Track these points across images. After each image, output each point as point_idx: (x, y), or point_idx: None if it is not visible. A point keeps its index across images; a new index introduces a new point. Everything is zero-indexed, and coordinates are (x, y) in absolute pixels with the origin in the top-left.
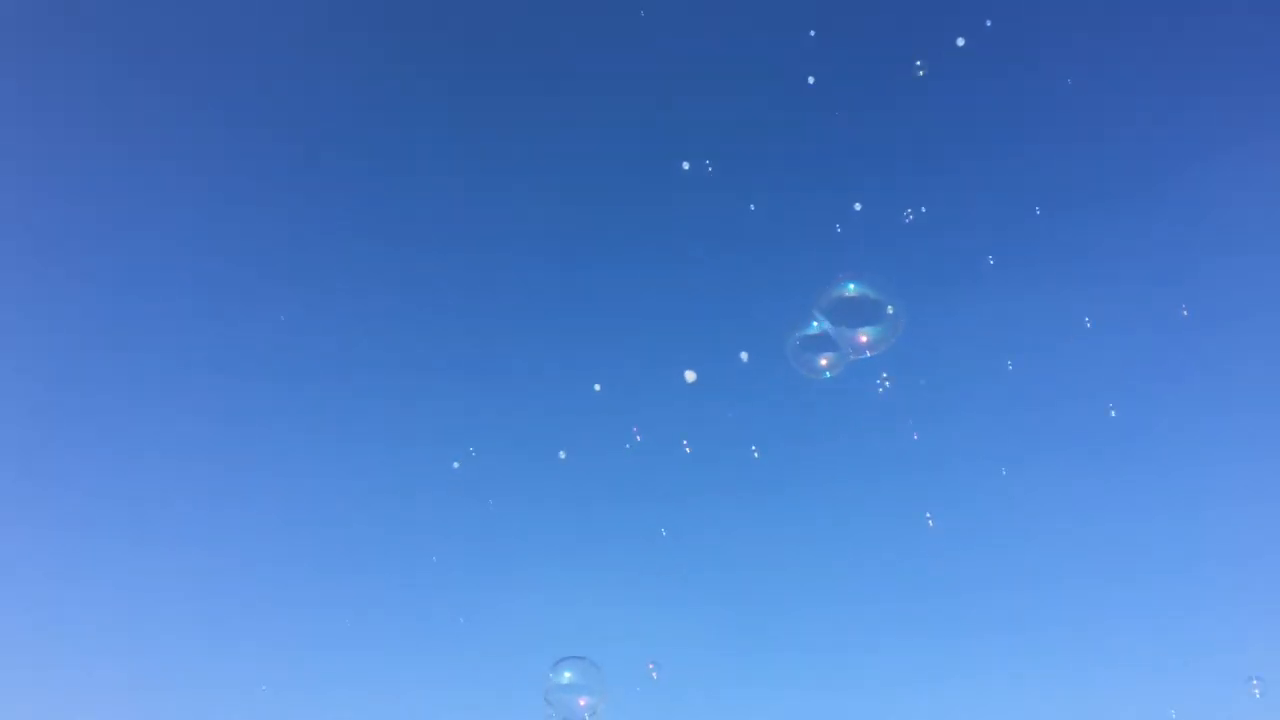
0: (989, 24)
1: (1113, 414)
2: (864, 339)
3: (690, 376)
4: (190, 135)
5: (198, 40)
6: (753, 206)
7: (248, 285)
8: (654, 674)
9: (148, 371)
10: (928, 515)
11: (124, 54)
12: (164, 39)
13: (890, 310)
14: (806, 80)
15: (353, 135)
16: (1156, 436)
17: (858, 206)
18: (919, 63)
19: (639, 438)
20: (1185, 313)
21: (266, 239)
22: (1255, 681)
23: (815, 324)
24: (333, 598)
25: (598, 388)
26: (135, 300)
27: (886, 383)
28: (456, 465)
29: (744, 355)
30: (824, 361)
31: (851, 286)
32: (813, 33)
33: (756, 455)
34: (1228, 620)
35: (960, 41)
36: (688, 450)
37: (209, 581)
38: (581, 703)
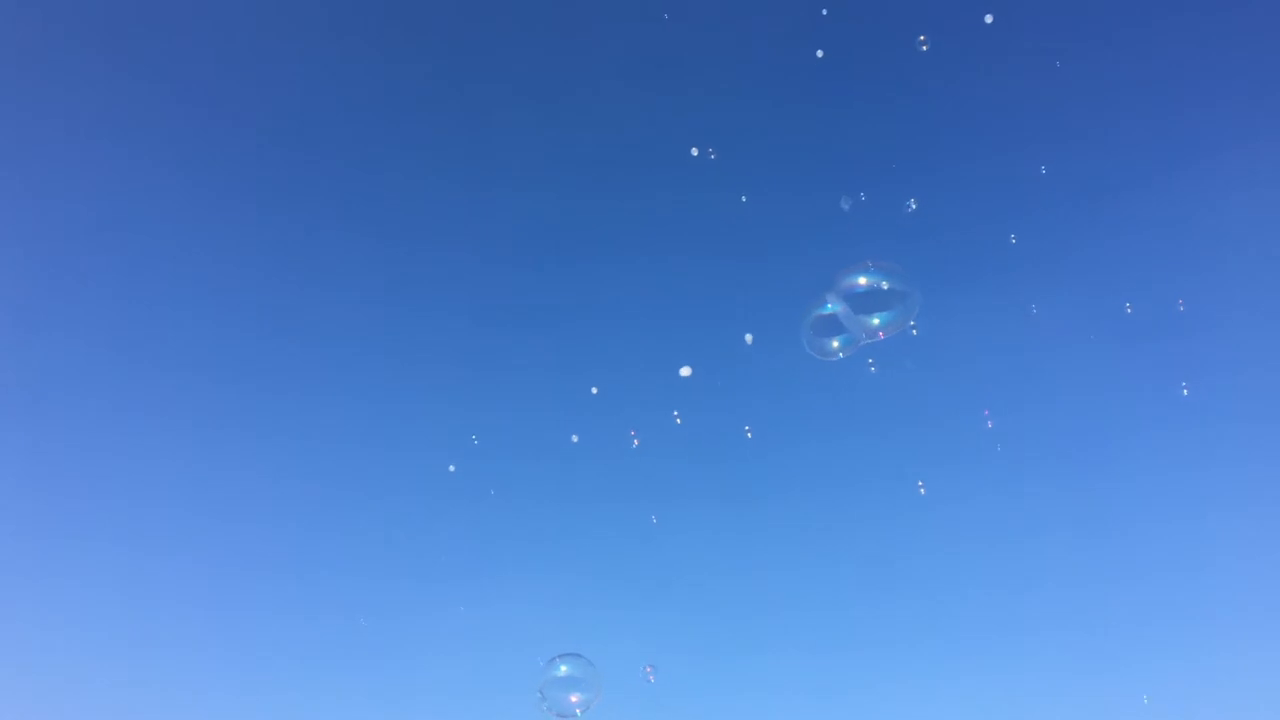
0: None
1: (1185, 393)
2: (876, 323)
3: (685, 371)
4: (183, 135)
5: (182, 35)
6: (744, 198)
7: (240, 285)
8: (651, 677)
9: (139, 374)
10: (919, 483)
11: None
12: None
13: (905, 296)
14: (815, 54)
15: (344, 130)
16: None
17: (860, 197)
18: (922, 38)
19: (637, 442)
20: (1181, 306)
21: (260, 238)
22: None
23: (829, 306)
24: (334, 595)
25: (595, 390)
26: (124, 302)
27: (873, 366)
28: (452, 469)
29: (749, 337)
30: (835, 344)
31: (867, 272)
32: (825, 11)
33: (749, 434)
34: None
35: (989, 18)
36: (678, 421)
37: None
38: (574, 699)
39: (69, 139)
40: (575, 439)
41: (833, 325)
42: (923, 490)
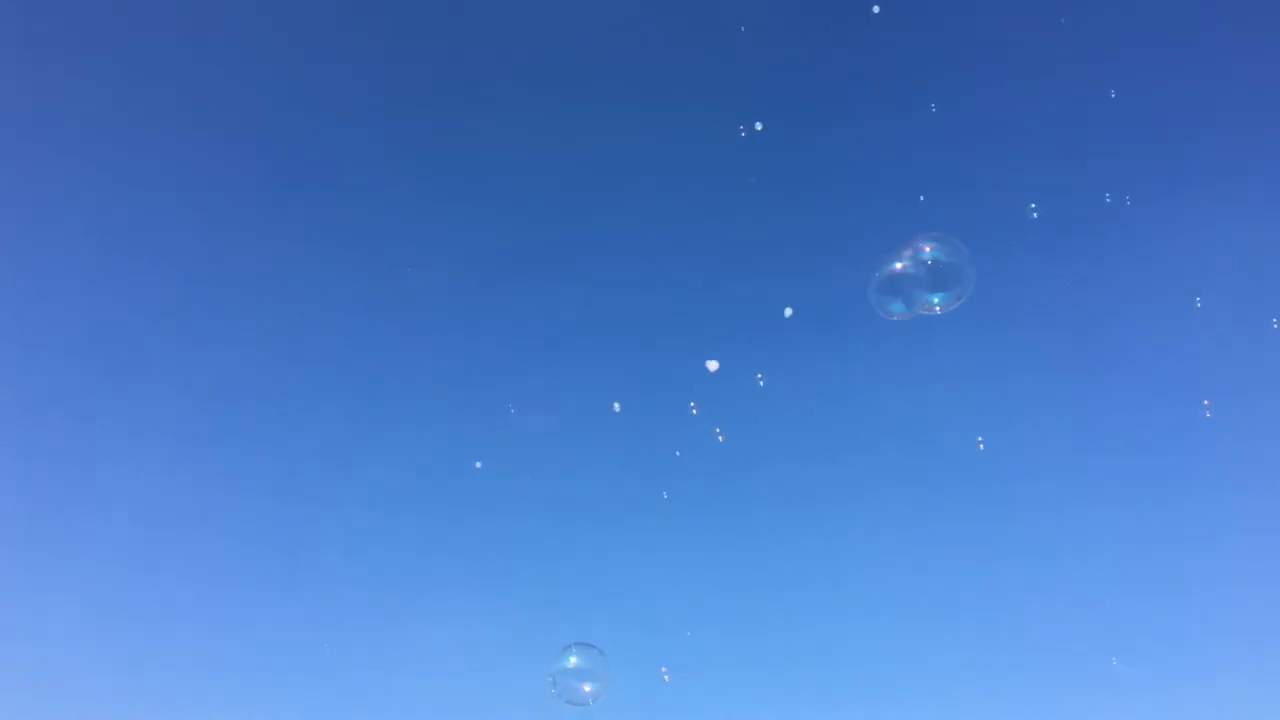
0: None
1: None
2: (935, 298)
3: (712, 366)
4: (178, 137)
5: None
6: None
7: (240, 292)
8: (666, 677)
9: (153, 388)
10: (979, 438)
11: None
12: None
13: (963, 272)
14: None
15: (347, 131)
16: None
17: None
18: None
19: (721, 438)
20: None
21: (264, 246)
22: None
23: (899, 264)
24: (341, 595)
25: (617, 407)
26: (137, 302)
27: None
28: (479, 465)
29: (788, 311)
30: (900, 305)
31: (936, 245)
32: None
33: (761, 381)
34: None
35: None
36: (694, 412)
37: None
38: (586, 688)
39: (48, 146)
40: (617, 407)
41: (899, 287)
42: (982, 446)
